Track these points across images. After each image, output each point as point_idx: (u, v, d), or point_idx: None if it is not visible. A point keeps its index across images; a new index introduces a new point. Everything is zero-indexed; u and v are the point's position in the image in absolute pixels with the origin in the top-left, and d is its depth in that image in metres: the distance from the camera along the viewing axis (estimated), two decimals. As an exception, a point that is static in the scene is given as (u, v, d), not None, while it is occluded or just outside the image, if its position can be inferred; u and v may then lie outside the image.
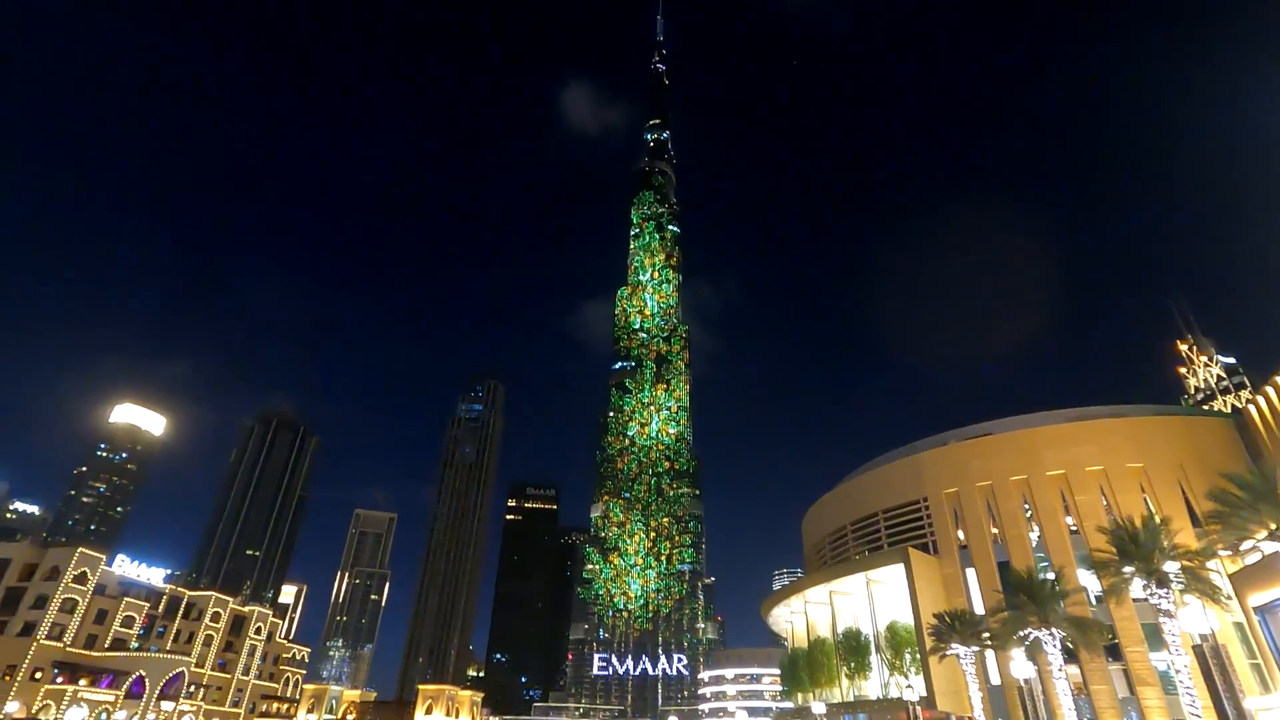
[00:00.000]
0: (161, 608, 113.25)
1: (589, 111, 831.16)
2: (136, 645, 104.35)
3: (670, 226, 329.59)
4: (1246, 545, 34.49)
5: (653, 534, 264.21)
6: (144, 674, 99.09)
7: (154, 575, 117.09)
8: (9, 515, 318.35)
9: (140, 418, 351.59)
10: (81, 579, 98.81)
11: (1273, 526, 31.39)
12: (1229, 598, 45.04)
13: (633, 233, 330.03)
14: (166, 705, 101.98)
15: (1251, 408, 61.56)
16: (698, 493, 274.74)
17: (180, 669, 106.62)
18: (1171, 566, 38.21)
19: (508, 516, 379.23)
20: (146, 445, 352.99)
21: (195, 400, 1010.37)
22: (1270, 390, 57.24)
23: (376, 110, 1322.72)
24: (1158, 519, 41.67)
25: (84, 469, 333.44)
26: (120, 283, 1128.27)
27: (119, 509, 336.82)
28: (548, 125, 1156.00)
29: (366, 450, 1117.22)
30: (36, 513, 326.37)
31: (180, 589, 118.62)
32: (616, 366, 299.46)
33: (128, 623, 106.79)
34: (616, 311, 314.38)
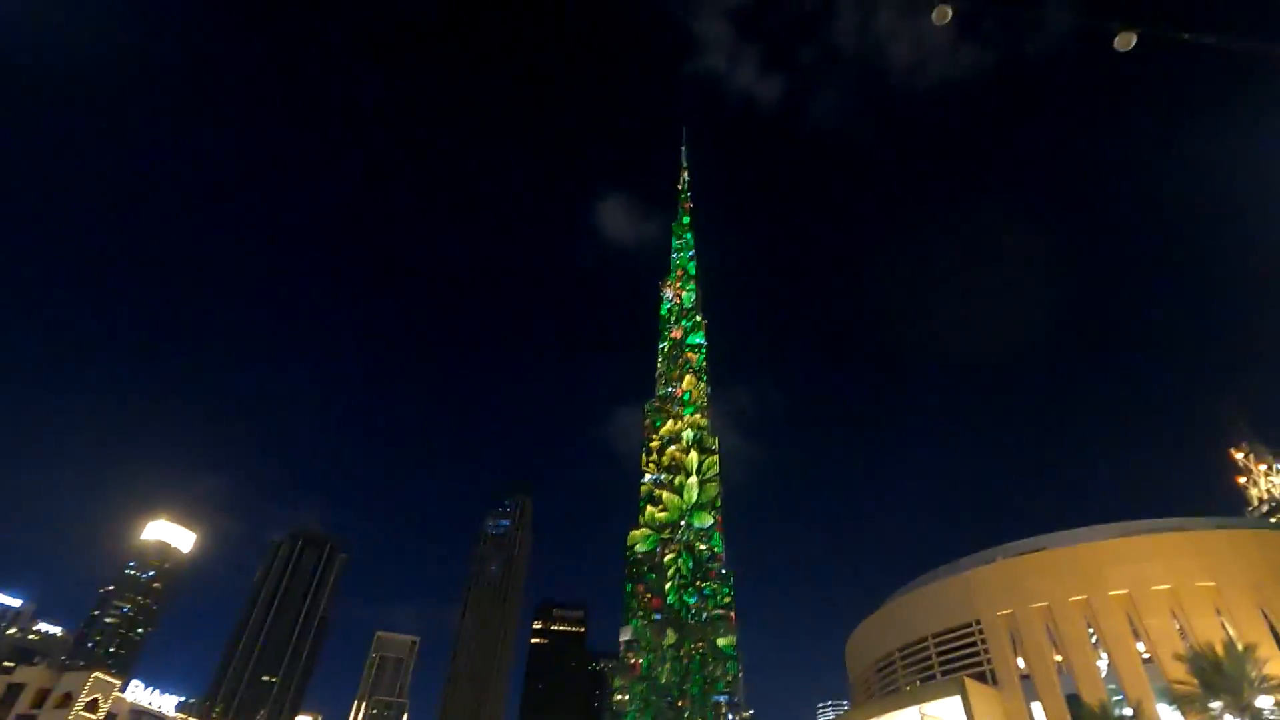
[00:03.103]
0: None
1: (621, 222, 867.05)
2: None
3: (697, 339, 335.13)
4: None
5: (684, 660, 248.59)
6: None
7: (166, 703, 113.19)
8: (32, 636, 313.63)
9: (171, 534, 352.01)
10: (92, 706, 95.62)
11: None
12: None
13: (660, 346, 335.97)
14: None
15: (1326, 520, 57.42)
16: (732, 614, 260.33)
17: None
18: (1265, 701, 34.36)
19: (533, 640, 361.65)
20: (174, 563, 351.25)
21: (225, 513, 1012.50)
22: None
23: (405, 215, 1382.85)
24: (1240, 645, 37.90)
25: (110, 588, 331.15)
26: (159, 395, 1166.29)
27: (140, 630, 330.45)
28: (579, 235, 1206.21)
29: (391, 567, 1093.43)
30: (59, 634, 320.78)
31: (189, 718, 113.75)
32: (646, 479, 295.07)
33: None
34: (645, 423, 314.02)
